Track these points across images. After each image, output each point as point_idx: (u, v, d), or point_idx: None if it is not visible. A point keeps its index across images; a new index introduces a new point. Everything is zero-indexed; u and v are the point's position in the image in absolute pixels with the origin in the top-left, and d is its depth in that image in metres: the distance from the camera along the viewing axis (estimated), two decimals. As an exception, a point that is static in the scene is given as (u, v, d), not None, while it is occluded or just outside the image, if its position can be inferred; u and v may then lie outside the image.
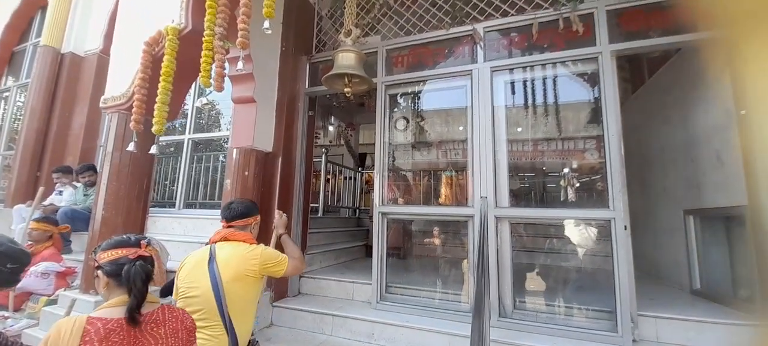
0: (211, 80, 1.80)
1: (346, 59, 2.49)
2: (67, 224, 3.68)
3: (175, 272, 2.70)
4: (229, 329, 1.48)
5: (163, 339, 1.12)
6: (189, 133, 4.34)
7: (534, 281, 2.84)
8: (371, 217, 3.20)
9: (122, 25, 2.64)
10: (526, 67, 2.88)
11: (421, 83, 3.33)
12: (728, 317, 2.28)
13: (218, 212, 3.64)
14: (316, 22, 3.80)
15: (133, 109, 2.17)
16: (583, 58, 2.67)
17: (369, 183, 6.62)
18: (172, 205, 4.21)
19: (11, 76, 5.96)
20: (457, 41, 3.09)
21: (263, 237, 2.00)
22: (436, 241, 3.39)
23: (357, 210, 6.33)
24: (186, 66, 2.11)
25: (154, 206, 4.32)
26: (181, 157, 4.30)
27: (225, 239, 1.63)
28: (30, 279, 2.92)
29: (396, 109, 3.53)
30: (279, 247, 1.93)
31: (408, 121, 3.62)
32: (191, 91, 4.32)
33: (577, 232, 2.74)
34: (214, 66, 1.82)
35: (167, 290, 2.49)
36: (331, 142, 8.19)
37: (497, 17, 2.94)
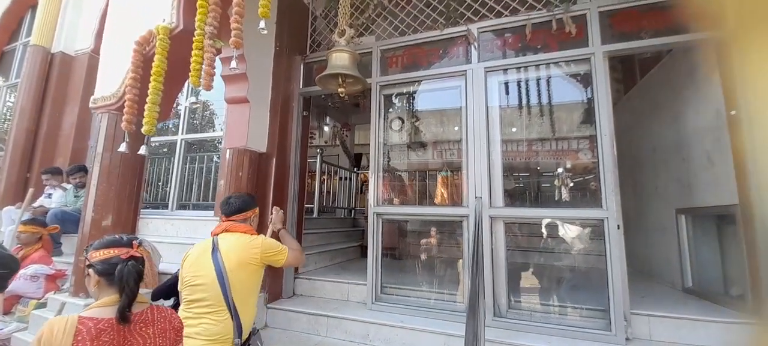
0: (201, 80, 1.78)
1: (339, 59, 2.48)
2: (57, 225, 3.63)
3: (167, 274, 2.69)
4: (233, 314, 1.55)
5: (151, 339, 1.14)
6: (182, 133, 4.30)
7: (528, 281, 2.85)
8: (367, 217, 3.19)
9: (112, 24, 2.60)
10: (519, 67, 2.89)
11: (416, 84, 3.33)
12: (720, 315, 2.30)
13: (212, 213, 3.63)
14: (311, 22, 3.79)
15: (125, 110, 2.14)
16: (576, 59, 2.69)
17: (365, 183, 6.61)
18: (165, 206, 4.16)
19: (1, 76, 5.86)
20: (451, 42, 3.09)
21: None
22: (432, 241, 3.39)
23: (353, 211, 6.32)
24: (177, 66, 2.08)
25: (146, 208, 4.27)
26: (173, 158, 4.25)
27: (226, 230, 1.70)
28: (19, 282, 2.88)
29: (391, 110, 3.52)
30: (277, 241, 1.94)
31: (403, 122, 3.62)
32: (184, 91, 4.28)
33: (568, 230, 2.75)
34: (204, 65, 1.81)
35: (160, 293, 2.47)
36: (326, 142, 8.17)
37: (491, 18, 2.95)
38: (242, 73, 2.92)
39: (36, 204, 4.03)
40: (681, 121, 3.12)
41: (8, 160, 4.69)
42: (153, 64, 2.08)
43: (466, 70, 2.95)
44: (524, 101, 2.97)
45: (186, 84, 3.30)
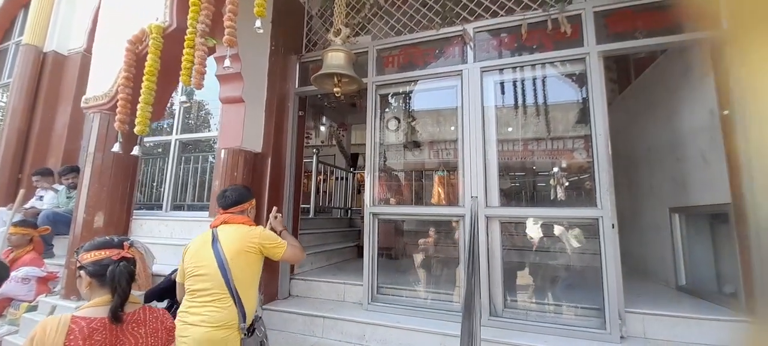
0: (192, 78, 1.76)
1: (335, 59, 2.46)
2: (48, 227, 3.58)
3: (161, 275, 2.66)
4: (237, 301, 1.59)
5: (143, 339, 1.16)
6: (176, 133, 4.26)
7: (524, 280, 2.85)
8: (363, 217, 3.19)
9: (105, 23, 2.57)
10: (515, 67, 2.90)
11: (412, 83, 3.33)
12: (713, 313, 2.32)
13: (207, 213, 3.60)
14: (306, 22, 3.77)
15: (118, 109, 2.12)
16: (571, 59, 2.69)
17: (361, 183, 6.60)
18: (160, 207, 4.13)
19: (-8, 76, 5.78)
20: (447, 42, 3.09)
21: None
22: (428, 241, 3.39)
23: (349, 211, 6.30)
24: (171, 65, 2.06)
25: (140, 209, 4.23)
26: (168, 158, 4.22)
27: (225, 222, 1.73)
28: (10, 285, 2.84)
29: (387, 110, 3.52)
30: None
31: (399, 122, 3.62)
32: (179, 90, 4.25)
33: (554, 229, 2.76)
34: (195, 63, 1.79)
35: (153, 295, 2.45)
36: (322, 142, 8.14)
37: (487, 18, 2.95)
38: (237, 72, 2.90)
39: (27, 205, 3.98)
40: (675, 121, 3.14)
41: (0, 161, 4.62)
42: (146, 63, 2.06)
43: (461, 70, 2.95)
44: (520, 101, 2.98)
45: (180, 84, 3.27)
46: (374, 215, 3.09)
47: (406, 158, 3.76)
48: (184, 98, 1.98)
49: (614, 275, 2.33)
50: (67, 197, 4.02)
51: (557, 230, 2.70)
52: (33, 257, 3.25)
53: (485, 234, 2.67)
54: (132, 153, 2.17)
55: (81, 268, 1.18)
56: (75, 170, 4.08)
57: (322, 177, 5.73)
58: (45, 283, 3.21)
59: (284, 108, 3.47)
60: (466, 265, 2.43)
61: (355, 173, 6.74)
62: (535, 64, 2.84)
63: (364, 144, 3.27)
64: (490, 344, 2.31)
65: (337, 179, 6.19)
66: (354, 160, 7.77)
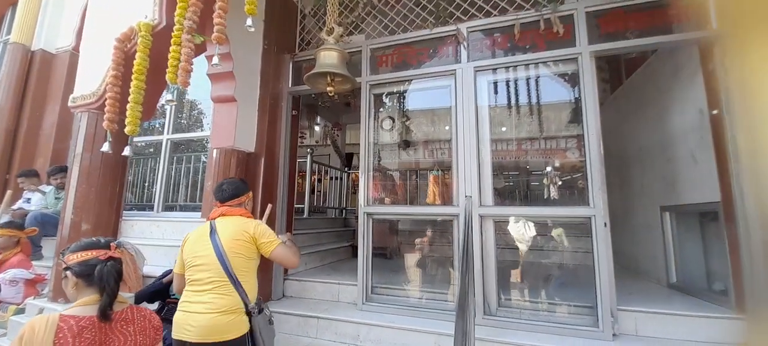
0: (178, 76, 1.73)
1: (328, 58, 2.45)
2: (35, 228, 3.51)
3: (152, 277, 2.63)
4: (237, 287, 1.63)
5: (132, 336, 1.19)
6: (168, 133, 4.20)
7: (518, 279, 2.86)
8: (357, 217, 3.17)
9: (93, 21, 2.53)
10: (508, 67, 2.91)
11: (406, 83, 3.32)
12: (703, 310, 2.35)
13: (200, 214, 3.56)
14: (299, 20, 3.74)
15: (106, 108, 2.08)
16: (564, 59, 2.71)
17: (356, 183, 6.58)
18: (151, 207, 4.07)
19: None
20: (441, 41, 3.09)
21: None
22: (423, 240, 3.39)
23: (344, 210, 6.28)
24: (161, 64, 2.02)
25: (130, 209, 4.17)
26: (159, 158, 4.16)
27: (222, 215, 1.76)
28: (-4, 288, 2.78)
29: (381, 109, 3.51)
30: None
31: (393, 121, 3.61)
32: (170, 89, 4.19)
33: (534, 229, 2.77)
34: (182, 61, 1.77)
35: (143, 297, 2.41)
36: (317, 142, 8.11)
37: (480, 18, 2.95)
38: (229, 71, 2.87)
39: (15, 207, 3.90)
40: (666, 121, 3.18)
41: (-14, 161, 4.53)
42: (135, 62, 2.02)
43: (455, 70, 2.95)
44: (513, 101, 2.99)
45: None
46: (368, 214, 3.08)
47: (400, 158, 3.76)
48: (169, 96, 1.94)
49: (607, 274, 2.34)
50: (56, 198, 3.95)
51: (534, 231, 2.71)
52: (21, 259, 3.19)
53: (479, 233, 2.67)
54: (123, 154, 2.14)
55: (67, 269, 1.18)
56: (64, 170, 4.01)
57: (316, 177, 5.70)
58: (33, 285, 3.15)
59: (277, 107, 3.44)
60: (460, 264, 2.43)
61: (349, 173, 6.72)
62: (528, 64, 2.85)
63: (359, 144, 3.26)
64: (484, 342, 2.31)
65: (331, 178, 6.16)
66: (349, 160, 7.74)
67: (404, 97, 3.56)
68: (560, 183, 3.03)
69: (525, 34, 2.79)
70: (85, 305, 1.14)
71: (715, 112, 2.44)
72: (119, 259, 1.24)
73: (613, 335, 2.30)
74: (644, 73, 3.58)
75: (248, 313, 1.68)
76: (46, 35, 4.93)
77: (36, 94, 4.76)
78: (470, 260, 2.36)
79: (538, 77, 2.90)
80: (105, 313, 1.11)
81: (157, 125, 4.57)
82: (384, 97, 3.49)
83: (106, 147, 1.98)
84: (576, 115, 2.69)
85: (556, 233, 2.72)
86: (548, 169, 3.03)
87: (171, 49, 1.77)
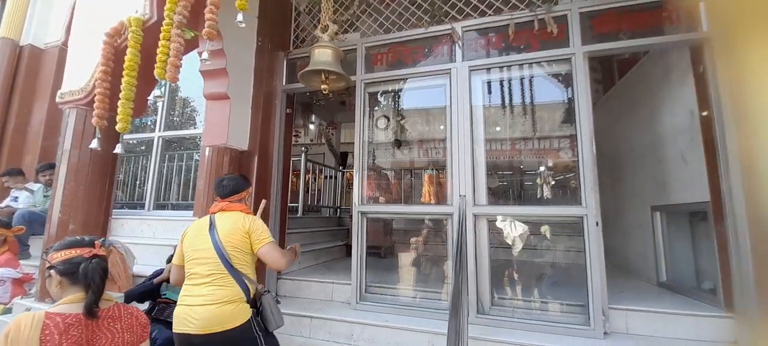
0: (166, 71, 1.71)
1: (322, 55, 2.43)
2: (23, 226, 3.45)
3: (142, 276, 2.59)
4: (237, 278, 1.66)
5: (119, 333, 1.19)
6: (159, 130, 4.15)
7: (511, 278, 2.88)
8: (352, 216, 3.16)
9: (82, 15, 2.48)
10: (502, 67, 2.92)
11: (401, 82, 3.32)
12: (692, 309, 2.39)
13: (192, 213, 3.52)
14: (294, 18, 3.71)
15: (95, 104, 2.04)
16: (558, 59, 2.72)
17: (351, 182, 6.56)
18: (142, 206, 4.02)
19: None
20: (436, 40, 3.09)
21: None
22: (417, 239, 3.39)
23: (338, 209, 6.27)
24: (152, 60, 1.99)
25: (121, 208, 4.12)
26: (151, 156, 4.11)
27: (222, 210, 1.80)
28: (-18, 287, 2.72)
29: (376, 108, 3.50)
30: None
31: (388, 120, 3.60)
32: (162, 85, 4.13)
33: (514, 228, 2.79)
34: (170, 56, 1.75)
35: (133, 296, 2.38)
36: (312, 140, 8.06)
37: (475, 17, 2.96)
38: (222, 68, 2.84)
39: (2, 205, 3.82)
40: (656, 122, 3.22)
41: (-28, 159, 4.43)
42: (126, 58, 1.99)
43: (450, 69, 2.95)
44: (507, 100, 3.00)
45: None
46: (363, 213, 3.07)
47: (395, 157, 3.76)
48: (158, 92, 1.92)
49: (598, 273, 2.37)
50: (44, 196, 3.88)
51: (520, 229, 2.73)
52: (8, 258, 3.13)
53: (473, 232, 2.68)
54: (114, 152, 2.10)
55: (51, 268, 1.17)
56: (53, 167, 3.92)
57: (310, 176, 5.68)
58: (20, 285, 3.09)
59: (271, 105, 3.42)
60: (454, 263, 2.43)
61: (344, 172, 6.70)
62: (522, 64, 2.86)
63: (354, 142, 3.24)
64: (477, 341, 2.32)
65: (326, 177, 6.14)
66: (343, 159, 7.71)
67: (399, 96, 3.55)
68: (553, 183, 3.04)
69: (519, 34, 2.80)
70: (71, 302, 1.14)
71: (705, 113, 2.48)
72: (104, 256, 1.24)
73: (605, 333, 2.32)
74: (636, 74, 3.62)
75: (255, 297, 1.75)
76: (36, 30, 4.82)
77: (24, 91, 4.66)
78: (464, 259, 2.36)
79: (532, 77, 2.92)
80: (91, 310, 1.11)
81: (149, 123, 4.51)
82: (379, 96, 3.48)
83: (94, 144, 1.94)
84: (569, 115, 2.70)
85: (543, 228, 2.74)
86: (542, 169, 3.05)
87: (160, 43, 1.74)
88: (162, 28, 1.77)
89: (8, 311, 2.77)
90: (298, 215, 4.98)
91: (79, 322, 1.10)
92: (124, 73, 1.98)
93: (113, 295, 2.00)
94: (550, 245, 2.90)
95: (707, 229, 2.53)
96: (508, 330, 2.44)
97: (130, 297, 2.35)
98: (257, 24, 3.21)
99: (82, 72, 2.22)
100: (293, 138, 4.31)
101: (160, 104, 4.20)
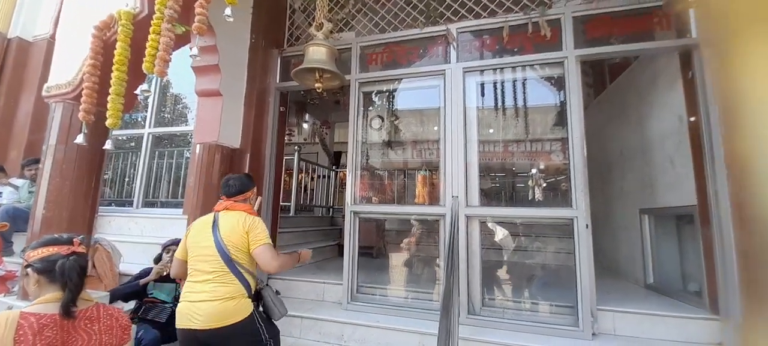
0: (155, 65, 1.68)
1: (316, 53, 2.41)
2: (6, 222, 3.36)
3: (128, 274, 2.55)
4: (238, 276, 1.70)
5: (97, 335, 1.15)
6: (150, 126, 4.09)
7: (502, 279, 2.90)
8: (344, 216, 3.15)
9: (71, 7, 2.42)
10: (496, 69, 2.93)
11: (396, 82, 3.32)
12: (678, 310, 2.43)
13: (181, 211, 3.47)
14: (289, 15, 3.69)
15: (83, 99, 1.99)
16: (551, 62, 2.75)
17: (344, 182, 6.54)
18: (130, 203, 3.95)
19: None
20: (430, 41, 3.10)
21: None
22: (409, 240, 3.39)
23: (331, 209, 6.24)
24: (141, 54, 1.96)
25: (109, 205, 4.04)
26: (140, 153, 4.04)
27: (227, 209, 1.84)
28: (-38, 285, 2.65)
29: (371, 108, 3.49)
30: None
31: (383, 120, 3.60)
32: (154, 80, 4.07)
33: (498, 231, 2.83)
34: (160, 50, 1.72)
35: (119, 295, 2.34)
36: (305, 139, 8.02)
37: (470, 19, 2.97)
38: (214, 64, 2.80)
39: (-15, 201, 3.72)
40: (645, 126, 3.27)
41: (-46, 153, 4.30)
42: (115, 52, 1.94)
43: (444, 70, 2.96)
44: (500, 102, 3.02)
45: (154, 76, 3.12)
46: (355, 213, 3.06)
47: (388, 157, 3.75)
48: (145, 86, 1.89)
49: (587, 274, 2.39)
50: (30, 192, 3.78)
51: (501, 234, 2.77)
52: (-11, 255, 3.04)
53: (465, 233, 2.69)
54: (104, 148, 2.06)
55: (28, 266, 1.15)
56: (39, 162, 3.84)
57: (303, 175, 5.64)
58: (3, 282, 3.01)
59: (264, 103, 3.39)
60: (445, 264, 2.44)
61: (337, 172, 6.67)
62: (515, 67, 2.89)
63: (348, 142, 3.23)
64: (467, 342, 2.33)
65: (319, 176, 6.11)
66: (337, 159, 7.69)
67: (393, 97, 3.55)
68: (544, 185, 3.07)
69: (513, 36, 2.83)
70: (47, 302, 1.10)
71: (692, 118, 2.52)
72: (83, 254, 1.21)
73: (593, 334, 2.34)
74: (626, 78, 3.68)
75: (257, 291, 1.81)
76: (24, 23, 4.72)
77: (11, 84, 4.55)
78: (456, 259, 2.37)
79: (525, 80, 2.94)
80: (67, 309, 1.08)
81: (139, 119, 4.43)
82: (373, 96, 3.47)
83: (80, 139, 1.90)
84: (561, 118, 2.73)
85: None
86: (533, 171, 3.08)
87: (149, 37, 1.71)
88: (152, 22, 1.74)
89: (-11, 309, 2.69)
90: (291, 215, 4.95)
91: (55, 322, 1.07)
92: (113, 67, 1.94)
93: (99, 293, 1.96)
94: (541, 246, 2.93)
95: (693, 232, 2.58)
96: (498, 331, 2.45)
97: (115, 296, 2.31)
98: (251, 20, 3.18)
99: (69, 65, 2.17)
100: (286, 137, 4.28)
101: (150, 100, 4.14)
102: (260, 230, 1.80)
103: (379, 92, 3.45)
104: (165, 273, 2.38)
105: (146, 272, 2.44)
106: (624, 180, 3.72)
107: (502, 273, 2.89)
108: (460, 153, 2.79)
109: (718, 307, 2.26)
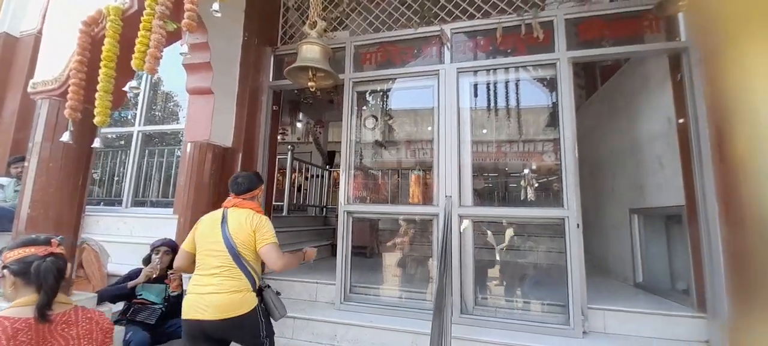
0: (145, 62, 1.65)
1: (310, 52, 2.39)
2: (-11, 223, 3.26)
3: (116, 275, 2.50)
4: (245, 271, 1.76)
5: (74, 340, 1.11)
6: (139, 124, 4.02)
7: (494, 278, 2.91)
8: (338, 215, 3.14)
9: (58, 1, 2.37)
10: (489, 70, 2.95)
11: (390, 82, 3.31)
12: (667, 309, 2.47)
13: (172, 211, 3.42)
14: (282, 13, 3.66)
15: (69, 96, 1.94)
16: (543, 64, 2.78)
17: (337, 181, 6.51)
18: (120, 203, 3.88)
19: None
20: (425, 41, 3.10)
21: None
22: (402, 240, 3.39)
23: (324, 209, 6.21)
24: (130, 50, 1.92)
25: (97, 204, 3.96)
26: (130, 151, 3.97)
27: (235, 206, 1.89)
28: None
29: (365, 108, 3.48)
30: None
31: (377, 120, 3.59)
32: (144, 79, 4.00)
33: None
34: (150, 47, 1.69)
35: (107, 296, 2.30)
36: (299, 139, 7.97)
37: (464, 20, 2.98)
38: (206, 62, 2.77)
39: (-33, 199, 3.61)
40: (635, 127, 3.32)
41: (-65, 150, 4.17)
42: (103, 48, 1.90)
43: (438, 70, 2.97)
44: (494, 103, 3.04)
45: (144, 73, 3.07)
46: (349, 213, 3.05)
47: (382, 157, 3.75)
48: (134, 83, 1.86)
49: (578, 274, 2.42)
50: (15, 190, 3.69)
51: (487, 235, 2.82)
52: (-29, 255, 2.96)
53: (458, 233, 2.69)
54: (92, 146, 2.02)
55: (5, 267, 1.11)
56: (24, 160, 3.75)
57: (297, 174, 5.61)
58: (-15, 284, 2.93)
59: (257, 101, 3.35)
60: (439, 263, 2.44)
61: (331, 171, 6.64)
62: (508, 68, 2.91)
63: (341, 141, 3.22)
64: (460, 341, 2.34)
65: (312, 176, 6.07)
66: (331, 158, 7.66)
67: (387, 96, 3.55)
68: (537, 185, 3.10)
69: (507, 37, 2.84)
70: (22, 305, 1.06)
71: (681, 120, 2.57)
72: (61, 256, 1.17)
73: (584, 332, 2.37)
74: (617, 80, 3.73)
75: (259, 289, 1.86)
76: (11, 17, 4.60)
77: (-5, 80, 4.43)
78: (449, 259, 2.38)
79: (518, 81, 2.96)
80: (42, 313, 1.04)
81: (129, 116, 4.36)
82: (367, 96, 3.46)
83: (66, 137, 1.86)
84: (553, 119, 2.76)
85: (508, 233, 2.84)
86: (526, 171, 3.10)
87: (139, 33, 1.68)
88: (142, 19, 1.70)
89: (-29, 311, 2.62)
90: (284, 214, 4.91)
91: (29, 327, 1.03)
92: (101, 64, 1.90)
93: (87, 294, 1.91)
94: (533, 246, 2.95)
95: (681, 231, 2.62)
96: (491, 330, 2.47)
97: (103, 297, 2.27)
98: (244, 18, 3.15)
99: (56, 61, 2.12)
100: (280, 136, 4.25)
101: (140, 97, 4.06)
102: (267, 229, 1.85)
103: (373, 92, 3.44)
104: (154, 276, 2.35)
105: (135, 273, 2.40)
106: (614, 180, 3.77)
107: (494, 272, 2.91)
108: (453, 153, 2.80)
109: (706, 305, 2.30)
